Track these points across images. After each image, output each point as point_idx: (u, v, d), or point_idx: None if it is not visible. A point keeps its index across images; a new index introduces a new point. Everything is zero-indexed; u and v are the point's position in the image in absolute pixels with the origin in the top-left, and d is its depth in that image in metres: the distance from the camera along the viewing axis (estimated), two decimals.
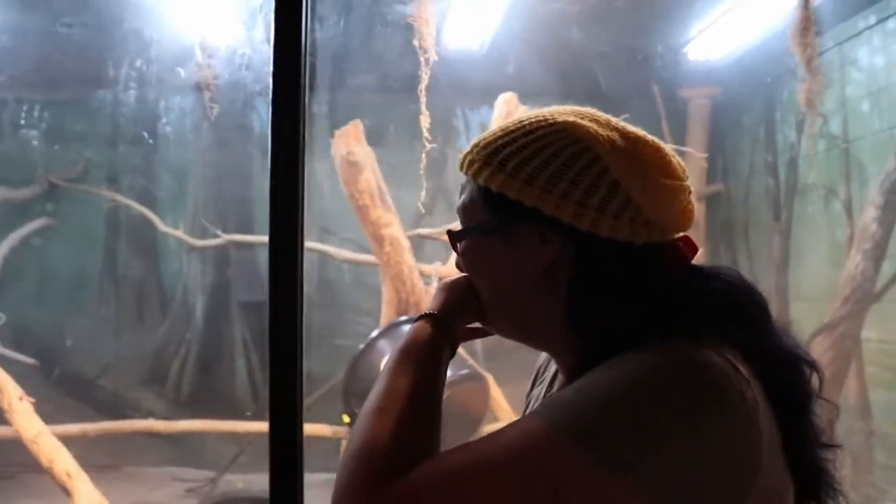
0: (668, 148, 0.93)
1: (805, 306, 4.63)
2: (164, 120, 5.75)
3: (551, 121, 0.90)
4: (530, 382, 1.20)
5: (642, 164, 0.88)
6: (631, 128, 0.92)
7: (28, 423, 3.55)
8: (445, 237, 3.30)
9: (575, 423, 0.75)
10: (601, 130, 0.89)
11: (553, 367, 1.11)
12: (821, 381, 0.90)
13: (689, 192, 0.93)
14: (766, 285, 5.02)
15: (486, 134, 0.96)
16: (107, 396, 5.76)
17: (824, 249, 4.51)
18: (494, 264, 0.94)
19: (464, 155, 0.96)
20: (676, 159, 0.93)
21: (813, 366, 0.89)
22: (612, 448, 0.73)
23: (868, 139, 4.18)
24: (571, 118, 0.91)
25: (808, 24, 2.36)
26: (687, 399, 0.76)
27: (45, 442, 3.50)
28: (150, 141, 5.75)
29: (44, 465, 3.50)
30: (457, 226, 1.01)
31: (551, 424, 0.75)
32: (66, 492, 3.41)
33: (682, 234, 0.93)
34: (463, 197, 0.97)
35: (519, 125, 0.92)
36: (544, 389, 1.10)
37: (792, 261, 4.79)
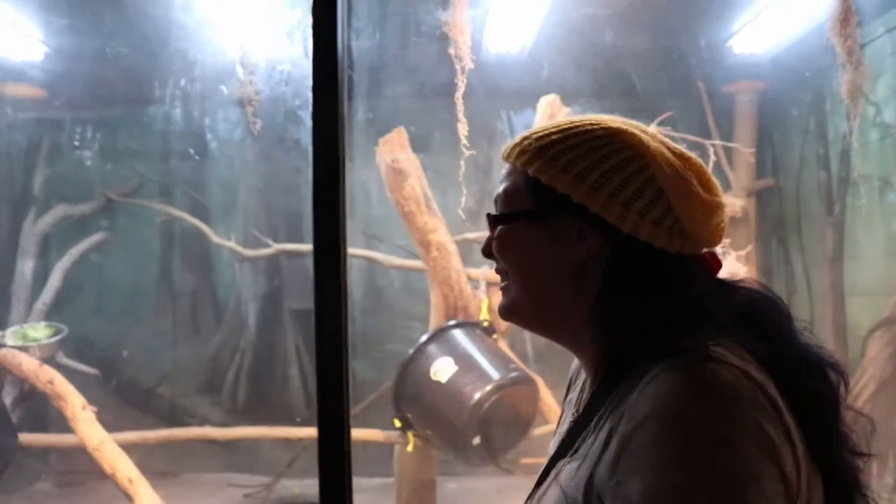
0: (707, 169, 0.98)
1: (862, 301, 4.54)
2: (210, 135, 5.87)
3: (605, 125, 0.96)
4: (566, 388, 1.22)
5: (686, 177, 0.93)
6: (674, 145, 0.98)
7: (91, 432, 3.66)
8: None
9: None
10: (651, 141, 0.94)
11: (581, 378, 1.14)
12: (846, 385, 0.91)
13: (724, 211, 0.98)
14: (820, 280, 4.93)
15: (537, 128, 1.00)
16: (164, 405, 5.91)
17: (880, 242, 4.41)
18: (530, 251, 0.98)
19: (512, 145, 1.01)
20: (714, 179, 0.98)
21: (838, 370, 0.91)
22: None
23: None
24: (623, 126, 0.96)
25: (848, 15, 2.32)
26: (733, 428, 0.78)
27: (108, 449, 3.61)
28: (197, 157, 5.88)
29: (106, 471, 3.61)
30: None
31: None
32: (129, 497, 3.51)
33: (709, 249, 0.97)
34: (505, 184, 1.02)
35: (572, 125, 0.97)
36: (576, 395, 1.12)
37: (846, 255, 4.69)
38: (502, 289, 1.04)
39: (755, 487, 0.74)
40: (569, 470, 0.92)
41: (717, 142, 4.68)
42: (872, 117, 4.33)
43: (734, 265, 4.07)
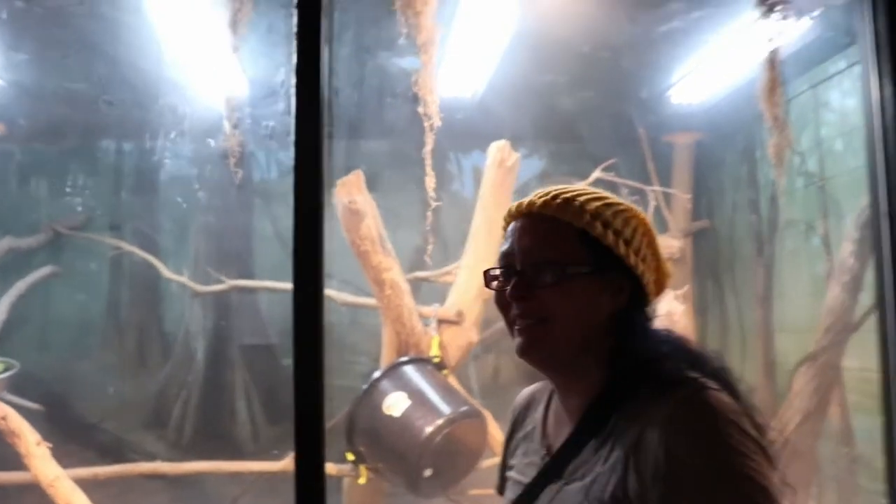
0: None
1: (789, 338, 4.78)
2: (164, 175, 5.91)
3: (621, 201, 1.18)
4: (509, 427, 1.35)
5: (658, 247, 1.19)
6: None
7: (46, 468, 3.63)
8: (443, 279, 3.47)
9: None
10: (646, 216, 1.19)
11: (535, 413, 1.28)
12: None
13: None
14: (751, 318, 5.18)
15: (574, 189, 1.17)
16: (109, 440, 5.83)
17: (805, 282, 4.67)
18: (587, 301, 1.12)
19: (549, 201, 1.15)
20: None
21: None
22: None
23: (843, 177, 4.36)
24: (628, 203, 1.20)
25: (774, 85, 2.56)
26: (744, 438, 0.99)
27: (63, 486, 3.59)
28: (154, 189, 5.90)
29: None
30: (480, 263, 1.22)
31: None
32: None
33: None
34: (546, 235, 1.14)
35: (601, 194, 1.17)
36: (533, 429, 1.27)
37: (775, 294, 4.94)
38: (531, 331, 1.13)
39: (765, 495, 0.95)
40: (572, 492, 1.08)
41: (657, 187, 4.93)
42: (798, 166, 4.61)
43: (672, 304, 4.27)
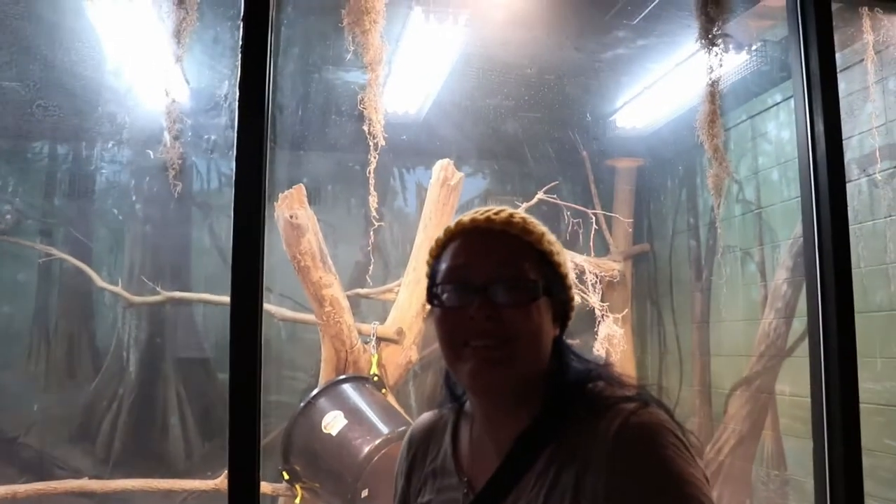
0: None
1: (725, 361, 4.87)
2: (102, 174, 5.75)
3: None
4: (406, 462, 1.27)
5: None
6: None
7: None
8: (383, 297, 3.43)
9: None
10: None
11: (438, 445, 1.22)
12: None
13: None
14: (689, 341, 5.26)
15: (508, 210, 1.15)
16: (31, 455, 5.61)
17: (741, 307, 4.77)
18: (546, 321, 1.11)
19: (507, 218, 1.12)
20: None
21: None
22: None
23: (778, 206, 4.48)
24: None
25: (714, 117, 2.62)
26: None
27: None
28: (89, 196, 5.74)
29: None
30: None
31: None
32: None
33: None
34: (513, 254, 1.11)
35: (530, 217, 1.16)
36: (443, 461, 1.21)
37: (712, 318, 5.04)
38: (492, 352, 1.06)
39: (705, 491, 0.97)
40: None
41: (599, 210, 4.99)
42: (736, 194, 4.73)
43: (612, 327, 4.32)
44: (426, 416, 1.30)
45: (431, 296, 1.12)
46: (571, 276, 1.18)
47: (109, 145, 4.78)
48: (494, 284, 1.07)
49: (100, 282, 5.24)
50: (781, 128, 4.50)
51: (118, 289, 5.19)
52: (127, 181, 5.81)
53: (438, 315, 1.11)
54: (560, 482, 1.01)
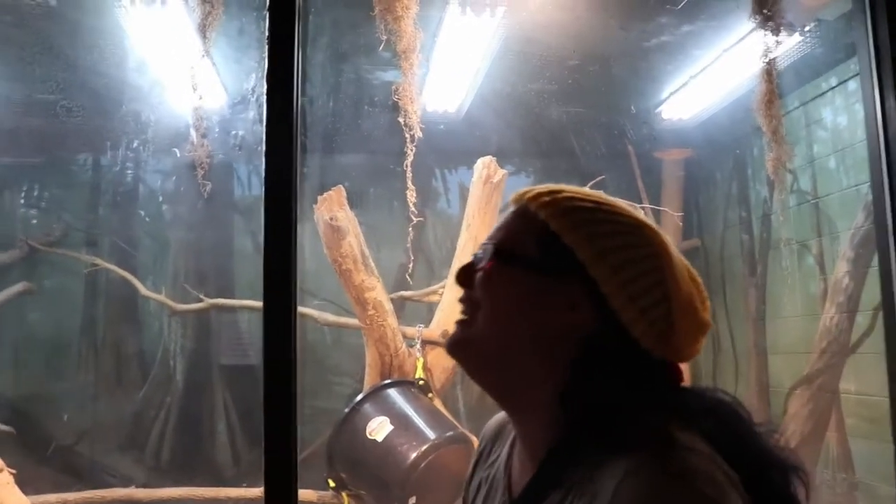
0: None
1: (783, 360, 4.70)
2: (143, 188, 5.80)
3: (632, 214, 0.95)
4: (473, 459, 1.16)
5: (694, 300, 0.93)
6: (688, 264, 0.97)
7: (10, 496, 3.48)
8: (428, 299, 3.33)
9: None
10: (674, 252, 0.94)
11: (501, 449, 1.09)
12: (807, 488, 0.91)
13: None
14: (744, 339, 5.09)
15: (567, 187, 0.98)
16: (84, 463, 5.66)
17: (799, 302, 4.59)
18: (518, 297, 0.94)
19: (536, 192, 0.97)
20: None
21: (801, 475, 0.90)
22: None
23: (836, 195, 4.30)
24: (651, 224, 0.96)
25: (772, 97, 2.47)
26: None
27: None
28: (130, 203, 5.78)
29: None
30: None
31: None
32: None
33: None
34: (513, 221, 0.98)
35: (605, 200, 0.96)
36: (495, 471, 1.07)
37: (769, 315, 4.86)
38: (461, 321, 0.98)
39: None
40: None
41: (647, 205, 4.84)
42: (790, 185, 4.55)
43: None
44: (503, 413, 1.15)
45: None
46: (640, 277, 0.90)
47: (141, 146, 4.78)
48: (479, 251, 0.99)
49: (144, 290, 5.26)
50: (838, 113, 4.31)
51: (162, 297, 5.20)
52: (165, 187, 5.84)
53: None
54: None
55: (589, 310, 0.91)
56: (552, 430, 0.91)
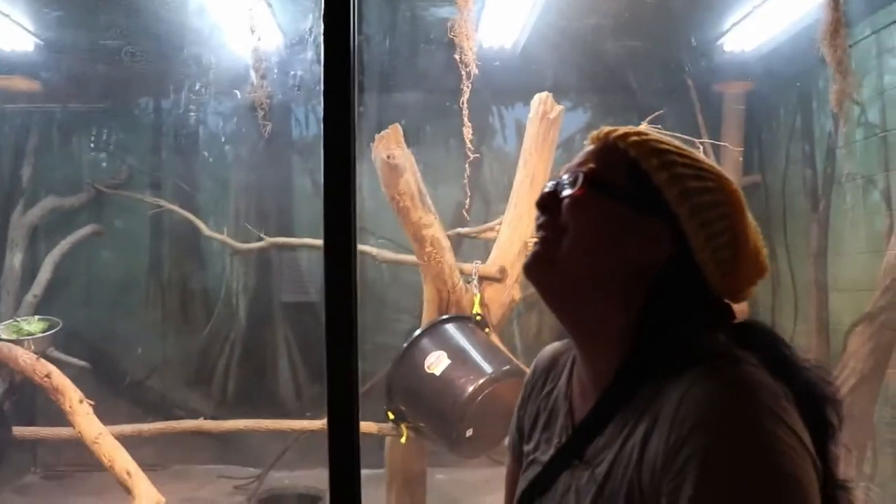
0: None
1: (844, 297, 4.61)
2: (203, 130, 5.88)
3: (710, 162, 1.01)
4: (526, 389, 1.21)
5: (758, 244, 1.00)
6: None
7: (89, 425, 3.67)
8: (484, 235, 3.34)
9: None
10: (741, 195, 1.00)
11: (557, 379, 1.14)
12: (840, 419, 0.94)
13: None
14: (804, 276, 5.01)
15: (647, 130, 1.03)
16: (154, 397, 5.91)
17: (863, 239, 4.48)
18: (607, 227, 0.98)
19: (623, 131, 1.01)
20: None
21: (836, 404, 0.95)
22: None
23: None
24: (725, 174, 1.01)
25: (837, 26, 2.37)
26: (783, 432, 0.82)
27: (106, 442, 3.62)
28: (211, 159, 5.90)
29: (105, 464, 3.62)
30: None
31: None
32: (127, 490, 3.52)
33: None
34: (602, 157, 1.01)
35: (685, 147, 1.01)
36: (556, 397, 1.12)
37: (830, 251, 4.76)
38: (543, 242, 1.01)
39: (801, 494, 0.80)
40: (589, 482, 0.95)
41: (707, 140, 4.75)
42: (857, 117, 4.40)
43: None
44: (555, 345, 1.22)
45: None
46: (717, 220, 0.96)
47: (203, 89, 4.84)
48: (564, 178, 1.01)
49: (206, 230, 5.38)
50: None
51: (224, 237, 5.32)
52: (227, 128, 5.93)
53: None
54: (627, 446, 0.91)
55: (668, 245, 0.96)
56: (619, 357, 0.97)
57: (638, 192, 0.97)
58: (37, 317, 4.76)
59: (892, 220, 4.11)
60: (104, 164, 5.95)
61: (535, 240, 1.02)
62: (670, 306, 0.95)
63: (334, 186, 1.66)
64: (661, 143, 1.00)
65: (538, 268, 1.01)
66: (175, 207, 5.52)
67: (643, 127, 1.07)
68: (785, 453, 0.80)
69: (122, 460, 3.57)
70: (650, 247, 0.96)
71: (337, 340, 1.66)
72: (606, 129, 1.03)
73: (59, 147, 5.86)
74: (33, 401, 5.26)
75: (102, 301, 5.85)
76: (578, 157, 1.04)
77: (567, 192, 1.00)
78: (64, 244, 5.52)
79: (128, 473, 3.50)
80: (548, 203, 1.01)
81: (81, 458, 4.77)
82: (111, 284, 5.90)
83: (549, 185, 1.04)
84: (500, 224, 4.29)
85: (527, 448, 1.15)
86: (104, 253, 5.91)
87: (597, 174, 0.98)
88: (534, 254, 1.01)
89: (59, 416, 3.99)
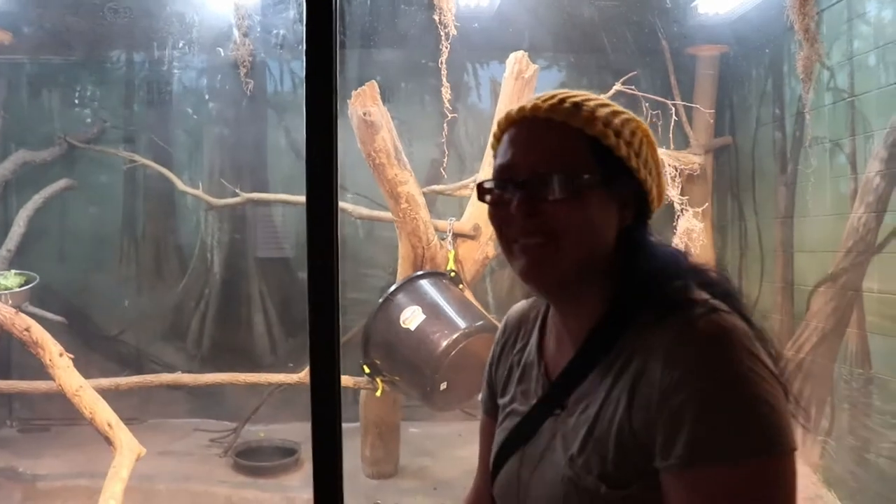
0: None
1: (809, 258, 4.72)
2: (177, 78, 5.81)
3: (623, 109, 1.07)
4: (497, 347, 1.27)
5: (659, 157, 1.10)
6: None
7: (69, 378, 3.70)
8: (459, 193, 3.40)
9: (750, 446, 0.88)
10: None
11: (528, 335, 1.20)
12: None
13: None
14: (771, 236, 5.12)
15: (579, 94, 1.05)
16: (129, 352, 5.93)
17: (828, 201, 4.57)
18: (598, 216, 1.02)
19: (559, 104, 1.02)
20: None
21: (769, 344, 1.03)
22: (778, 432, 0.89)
23: (874, 93, 4.21)
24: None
25: None
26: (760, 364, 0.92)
27: (86, 395, 3.66)
28: (166, 100, 5.82)
29: (86, 416, 3.66)
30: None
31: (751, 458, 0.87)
32: (109, 441, 3.58)
33: None
34: (554, 143, 1.02)
35: (607, 103, 1.06)
36: (532, 357, 1.18)
37: (797, 213, 4.86)
38: (538, 251, 1.02)
39: (776, 415, 0.89)
40: (576, 426, 1.02)
41: (679, 102, 4.81)
42: (826, 82, 4.47)
43: (691, 221, 4.22)
44: (522, 303, 1.28)
45: (480, 192, 1.07)
46: (649, 158, 1.05)
47: (180, 45, 4.79)
48: (534, 179, 1.00)
49: (181, 185, 5.37)
50: (883, 6, 4.17)
51: (199, 192, 5.31)
52: (202, 84, 5.87)
53: (488, 212, 1.07)
54: (615, 389, 0.98)
55: (633, 200, 1.06)
56: (597, 312, 1.04)
57: (608, 172, 1.02)
58: (13, 271, 4.73)
59: (856, 183, 4.20)
60: (76, 118, 5.88)
61: (527, 244, 1.03)
62: (639, 251, 1.05)
63: (317, 144, 1.69)
64: (600, 107, 1.03)
65: (542, 273, 1.03)
66: (149, 162, 5.49)
67: (568, 91, 1.08)
68: (769, 391, 0.89)
69: (102, 412, 3.62)
70: (622, 212, 1.04)
71: (319, 293, 1.70)
72: (542, 105, 1.03)
73: (29, 99, 5.78)
74: (8, 355, 5.27)
75: (76, 256, 5.82)
76: (530, 147, 1.03)
77: (551, 195, 1.00)
78: (37, 198, 5.45)
79: (109, 425, 3.55)
80: (531, 210, 1.01)
81: (58, 411, 4.81)
82: (85, 239, 5.86)
83: (518, 195, 1.02)
84: (474, 181, 4.33)
85: (502, 401, 1.21)
86: (78, 207, 5.86)
87: (571, 172, 1.00)
88: (533, 260, 1.03)
89: (34, 370, 4.02)
